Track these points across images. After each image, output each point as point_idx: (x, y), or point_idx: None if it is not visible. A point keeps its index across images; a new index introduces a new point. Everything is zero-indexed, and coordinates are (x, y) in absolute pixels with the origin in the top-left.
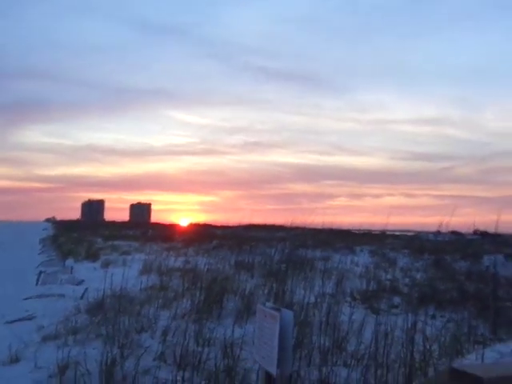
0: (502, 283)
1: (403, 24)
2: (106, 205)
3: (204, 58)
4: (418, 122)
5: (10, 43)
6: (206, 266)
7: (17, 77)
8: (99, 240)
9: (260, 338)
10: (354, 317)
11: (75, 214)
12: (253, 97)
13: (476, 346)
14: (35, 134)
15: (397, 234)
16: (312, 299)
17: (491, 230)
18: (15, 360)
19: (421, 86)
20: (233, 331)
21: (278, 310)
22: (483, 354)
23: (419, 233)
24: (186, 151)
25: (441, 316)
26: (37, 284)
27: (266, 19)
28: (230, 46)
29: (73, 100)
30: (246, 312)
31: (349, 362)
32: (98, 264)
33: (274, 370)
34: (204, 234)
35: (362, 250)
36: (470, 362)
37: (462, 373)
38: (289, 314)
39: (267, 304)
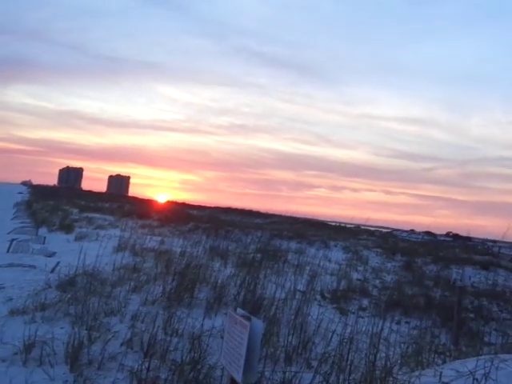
0: (468, 291)
1: (401, 23)
2: (85, 173)
3: (199, 35)
4: (405, 121)
5: None
6: (180, 249)
7: (2, 33)
8: (75, 211)
9: (228, 344)
10: (321, 316)
11: (52, 179)
12: (244, 80)
13: (436, 358)
14: (18, 94)
15: (372, 229)
16: (283, 295)
17: (463, 233)
18: None
19: (411, 86)
20: (202, 324)
21: (248, 318)
22: (441, 373)
23: (394, 230)
24: (171, 127)
25: (406, 322)
26: (8, 251)
27: (266, 3)
28: (227, 27)
29: (60, 63)
30: (216, 303)
31: (313, 365)
32: (71, 236)
33: (239, 378)
34: (181, 214)
35: (335, 246)
36: (426, 379)
37: None
38: (259, 324)
39: (238, 310)
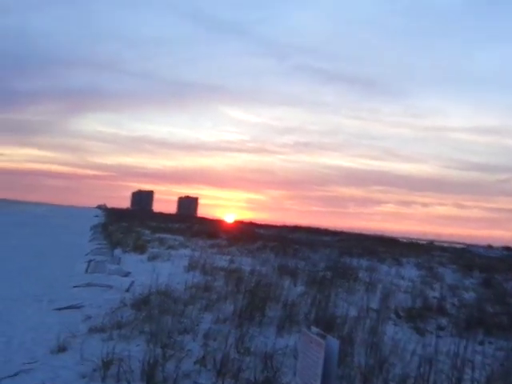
0: None
1: (466, 30)
2: (155, 196)
3: (262, 56)
4: (476, 131)
5: (73, 33)
6: (250, 268)
7: (77, 65)
8: (147, 232)
9: (303, 363)
10: (397, 336)
11: (125, 202)
12: (308, 98)
13: None
14: (92, 123)
15: (445, 245)
16: (355, 314)
17: None
18: (62, 349)
19: (481, 94)
20: (274, 343)
21: (323, 336)
22: None
23: (469, 246)
24: (237, 148)
25: (489, 342)
26: (86, 272)
27: (326, 20)
28: (289, 46)
29: (130, 91)
30: (288, 322)
31: None
32: (144, 257)
33: None
34: (249, 233)
35: (408, 262)
36: None
37: None
38: (334, 343)
39: (313, 329)
